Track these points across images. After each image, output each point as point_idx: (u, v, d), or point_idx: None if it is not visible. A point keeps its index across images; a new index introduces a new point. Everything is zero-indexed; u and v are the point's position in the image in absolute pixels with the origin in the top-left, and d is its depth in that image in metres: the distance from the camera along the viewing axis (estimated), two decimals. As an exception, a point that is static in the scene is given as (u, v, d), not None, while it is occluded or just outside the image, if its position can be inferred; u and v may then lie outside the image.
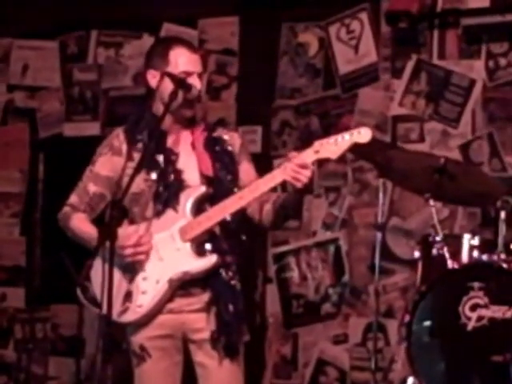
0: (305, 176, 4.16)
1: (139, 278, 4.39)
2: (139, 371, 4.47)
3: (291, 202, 4.40)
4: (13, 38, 8.64)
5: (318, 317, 7.64)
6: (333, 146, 4.19)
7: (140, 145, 4.44)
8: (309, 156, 4.20)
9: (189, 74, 4.42)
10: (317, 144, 4.23)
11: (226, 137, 4.63)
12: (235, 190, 4.45)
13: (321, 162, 6.62)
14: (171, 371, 4.50)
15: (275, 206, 4.43)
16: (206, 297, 4.42)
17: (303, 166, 4.16)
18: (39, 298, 8.32)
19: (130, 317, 4.37)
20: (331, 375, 7.54)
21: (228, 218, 4.40)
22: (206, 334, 4.40)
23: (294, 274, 7.73)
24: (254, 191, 4.34)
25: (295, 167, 4.16)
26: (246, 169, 4.57)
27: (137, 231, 4.39)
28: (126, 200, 4.39)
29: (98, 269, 4.37)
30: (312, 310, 7.67)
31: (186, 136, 4.56)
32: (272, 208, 4.45)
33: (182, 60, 4.45)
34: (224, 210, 4.33)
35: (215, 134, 4.62)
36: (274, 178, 4.27)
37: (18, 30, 8.55)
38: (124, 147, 4.50)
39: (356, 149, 4.74)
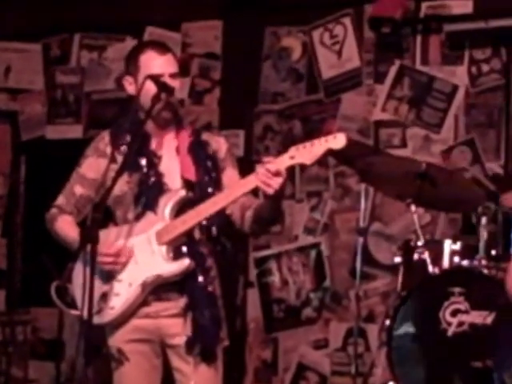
0: (276, 182, 4.11)
1: (114, 279, 4.39)
2: (118, 374, 4.48)
3: (265, 209, 4.36)
4: (-5, 39, 8.67)
5: (298, 321, 7.67)
6: (308, 152, 4.17)
7: (124, 147, 4.44)
8: (284, 162, 4.17)
9: (160, 75, 4.41)
10: (292, 149, 4.20)
11: (211, 142, 4.62)
12: None
13: (303, 167, 6.71)
14: (150, 375, 4.49)
15: (254, 213, 4.44)
16: (182, 302, 4.41)
17: (276, 173, 4.16)
18: (20, 300, 8.36)
19: (103, 319, 4.37)
20: (311, 380, 7.56)
21: (204, 222, 4.40)
22: (181, 340, 4.39)
23: (276, 279, 7.75)
24: (228, 196, 4.34)
25: (267, 173, 4.14)
26: (230, 175, 4.55)
27: (118, 236, 4.40)
28: (110, 202, 4.41)
29: (79, 271, 4.36)
30: (293, 314, 7.69)
31: (170, 139, 4.56)
32: (252, 215, 4.44)
33: (151, 63, 4.46)
34: (199, 214, 4.32)
35: (200, 139, 4.61)
36: (248, 183, 4.26)
37: (0, 32, 8.55)
38: (109, 150, 4.49)
39: (338, 154, 4.77)
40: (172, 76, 4.49)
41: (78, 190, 4.56)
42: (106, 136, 4.59)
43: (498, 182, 6.59)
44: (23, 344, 8.40)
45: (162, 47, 4.61)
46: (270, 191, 4.14)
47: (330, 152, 4.19)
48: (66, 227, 4.53)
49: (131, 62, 4.54)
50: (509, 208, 5.64)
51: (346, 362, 7.16)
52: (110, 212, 4.45)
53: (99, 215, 4.18)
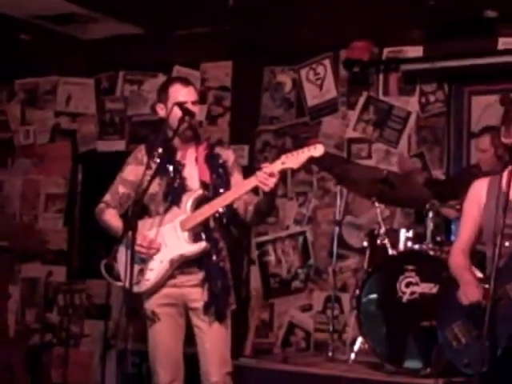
0: (271, 182, 4.14)
1: (150, 259, 4.39)
2: (151, 331, 4.47)
3: (263, 203, 4.38)
4: (59, 76, 8.63)
5: (289, 291, 7.63)
6: (295, 159, 4.19)
7: (156, 158, 4.44)
8: (277, 166, 4.19)
9: (183, 103, 4.42)
10: (283, 157, 4.22)
11: (222, 154, 4.62)
12: None
13: (292, 171, 6.71)
14: (176, 331, 4.49)
15: (255, 207, 4.44)
16: (200, 275, 4.42)
17: (271, 174, 4.17)
18: (77, 274, 8.34)
19: (140, 288, 4.38)
20: (299, 335, 7.54)
21: (217, 214, 4.42)
22: (200, 304, 4.40)
23: (272, 258, 7.73)
24: (234, 194, 4.36)
25: (264, 175, 4.16)
26: (236, 178, 4.55)
27: (152, 225, 4.40)
28: (145, 199, 4.41)
29: (122, 252, 4.39)
30: (285, 285, 7.66)
31: (191, 152, 4.55)
32: (253, 208, 4.44)
33: (177, 93, 4.47)
34: (212, 207, 4.34)
35: (214, 152, 4.61)
36: (249, 183, 4.28)
37: (63, 70, 8.54)
38: (145, 159, 4.52)
39: (319, 162, 4.74)
40: (193, 103, 4.49)
41: (121, 189, 4.57)
42: (142, 149, 4.61)
43: (441, 185, 6.57)
44: (80, 307, 8.39)
45: (185, 81, 4.62)
46: (267, 189, 4.17)
47: (312, 159, 4.21)
48: (112, 218, 4.55)
49: (162, 93, 4.55)
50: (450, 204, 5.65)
51: (326, 321, 7.11)
52: (145, 207, 4.45)
53: (137, 209, 4.23)
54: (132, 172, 4.56)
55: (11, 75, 8.81)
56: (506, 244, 3.53)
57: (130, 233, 4.15)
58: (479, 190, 3.84)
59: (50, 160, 8.72)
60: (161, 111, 4.53)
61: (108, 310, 7.60)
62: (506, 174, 3.48)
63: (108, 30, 7.19)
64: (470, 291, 3.65)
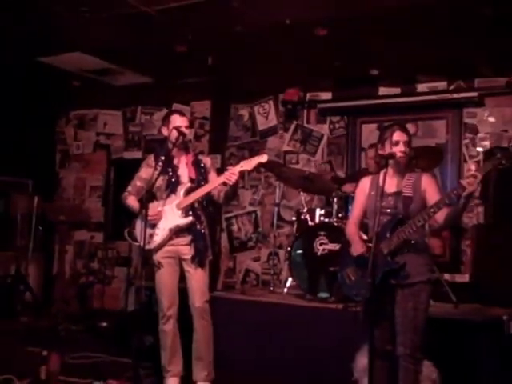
0: (234, 178, 4.20)
1: (156, 227, 4.39)
2: (157, 274, 4.48)
3: (229, 192, 4.40)
4: (99, 109, 8.60)
5: (246, 248, 7.62)
6: (249, 163, 4.22)
7: (160, 163, 4.43)
8: (237, 168, 4.22)
9: (179, 126, 4.42)
10: (242, 162, 4.26)
11: (203, 160, 4.63)
12: None
13: (248, 172, 6.73)
14: (173, 274, 4.49)
15: (224, 194, 4.44)
16: (189, 238, 4.43)
17: (234, 174, 4.20)
18: (110, 237, 8.31)
19: (150, 246, 4.38)
20: (252, 277, 7.52)
21: (200, 198, 4.42)
22: (189, 256, 4.42)
23: (235, 228, 7.71)
24: (210, 186, 4.38)
25: (228, 174, 4.21)
26: (212, 176, 4.55)
27: (158, 206, 4.39)
28: (154, 189, 4.38)
29: (138, 223, 4.41)
30: (243, 245, 7.65)
31: (183, 159, 4.54)
32: (223, 195, 4.45)
33: (176, 120, 4.47)
34: (197, 194, 4.36)
35: (198, 158, 4.61)
36: (220, 179, 4.30)
37: (101, 105, 8.52)
38: (153, 164, 4.51)
39: (266, 166, 4.75)
40: (186, 127, 4.50)
41: (138, 183, 4.57)
42: (152, 157, 4.61)
43: (342, 180, 6.61)
44: (111, 258, 8.34)
45: (181, 113, 4.63)
46: (231, 183, 4.23)
47: (261, 164, 4.25)
48: (132, 202, 4.55)
49: (165, 120, 4.54)
50: (347, 192, 5.66)
51: (269, 268, 7.10)
52: (153, 195, 4.43)
53: (149, 196, 4.21)
54: (145, 172, 4.56)
55: (67, 108, 8.77)
56: (383, 219, 3.59)
57: (143, 211, 4.14)
58: (365, 183, 3.84)
59: (92, 164, 8.67)
60: (164, 132, 4.53)
61: (130, 261, 7.59)
62: (381, 174, 3.53)
63: (130, 79, 7.15)
64: (357, 248, 3.69)
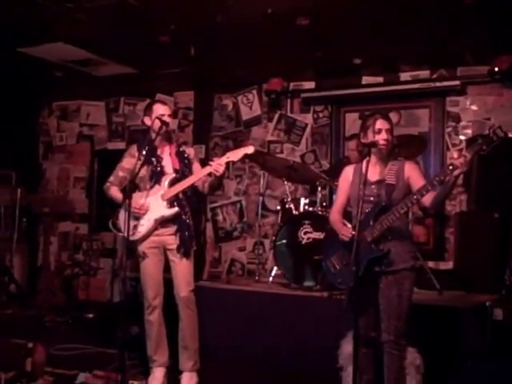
0: (220, 169, 4.18)
1: (141, 218, 4.37)
2: (142, 264, 4.45)
3: (215, 182, 4.40)
4: (82, 100, 8.53)
5: (231, 238, 7.62)
6: (235, 154, 4.21)
7: (144, 153, 4.40)
8: (223, 159, 4.21)
9: (162, 115, 4.39)
10: (228, 153, 4.25)
11: (187, 150, 4.60)
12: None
13: (234, 163, 6.73)
14: (158, 264, 4.47)
15: (209, 184, 4.44)
16: (174, 228, 4.41)
17: (220, 164, 4.19)
18: (95, 229, 8.28)
19: (135, 237, 4.35)
20: (237, 266, 7.53)
21: (185, 189, 4.40)
22: (174, 246, 4.40)
23: (220, 217, 7.70)
24: (195, 177, 4.37)
25: (215, 165, 4.19)
26: (196, 166, 4.53)
27: (141, 197, 4.37)
28: (137, 180, 4.37)
29: (122, 214, 4.37)
30: (228, 234, 7.65)
31: (167, 149, 4.51)
32: (208, 185, 4.44)
33: (158, 109, 4.44)
34: (181, 185, 4.34)
35: (182, 149, 4.58)
36: (206, 170, 4.28)
37: (84, 96, 8.45)
38: (136, 154, 4.46)
39: (250, 156, 4.74)
40: (169, 116, 4.47)
41: (120, 173, 4.53)
42: (134, 147, 4.57)
43: (326, 171, 6.62)
44: (96, 250, 8.33)
45: (163, 102, 4.60)
46: (218, 174, 4.21)
47: (247, 155, 4.24)
48: (115, 192, 4.52)
49: (148, 109, 4.50)
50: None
51: (254, 257, 7.15)
52: (136, 185, 4.43)
53: (131, 186, 4.20)
54: (128, 162, 4.51)
55: (50, 99, 8.69)
56: (366, 207, 3.60)
57: (126, 201, 4.11)
58: (349, 172, 3.85)
59: (76, 155, 8.61)
60: (147, 122, 4.49)
61: (114, 252, 7.56)
62: (364, 163, 3.53)
63: (113, 70, 7.09)
64: (346, 232, 3.66)
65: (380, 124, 3.63)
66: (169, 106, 4.58)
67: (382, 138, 3.61)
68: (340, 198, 3.88)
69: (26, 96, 8.16)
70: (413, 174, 3.61)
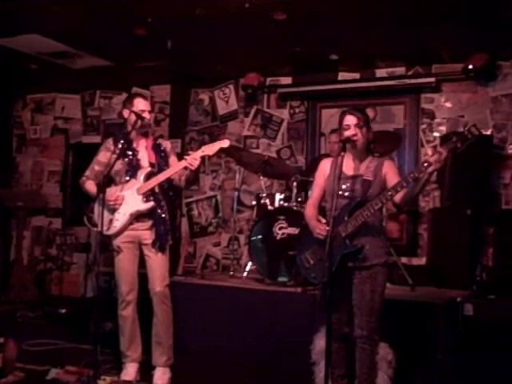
0: (195, 163, 4.18)
1: (116, 212, 4.34)
2: (116, 259, 4.41)
3: (190, 176, 4.38)
4: (57, 92, 8.46)
5: (206, 233, 7.63)
6: (210, 148, 4.20)
7: (119, 146, 4.38)
8: (199, 153, 4.20)
9: (142, 111, 4.38)
10: (203, 147, 4.23)
11: (163, 144, 4.58)
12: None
13: (209, 157, 6.72)
14: (133, 259, 4.43)
15: (185, 178, 4.42)
16: (150, 222, 4.39)
17: (195, 159, 4.18)
18: (68, 223, 8.23)
19: (109, 232, 4.33)
20: (212, 261, 7.54)
21: (161, 183, 4.38)
22: (149, 241, 4.38)
23: (195, 213, 7.70)
24: (171, 171, 4.34)
25: (190, 159, 4.18)
26: (172, 160, 4.51)
27: (116, 191, 4.35)
28: (112, 174, 4.34)
29: (96, 208, 4.32)
30: (203, 230, 7.65)
31: (142, 142, 4.48)
32: (184, 179, 4.43)
33: (139, 104, 4.41)
34: (157, 179, 4.31)
35: (158, 142, 4.57)
36: (181, 164, 4.26)
37: (59, 89, 8.39)
38: (112, 147, 4.44)
39: (226, 151, 4.73)
40: (149, 112, 4.48)
41: (96, 167, 4.49)
42: (110, 140, 4.53)
43: (303, 172, 6.63)
44: (70, 245, 8.28)
45: (144, 96, 4.59)
46: (193, 168, 4.20)
47: (222, 149, 4.23)
48: (90, 186, 4.47)
49: (128, 102, 4.46)
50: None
51: (229, 253, 7.16)
52: (112, 179, 4.40)
53: (106, 180, 4.17)
54: (103, 156, 4.48)
55: (24, 92, 8.61)
56: (341, 202, 3.62)
57: (101, 195, 4.09)
58: (325, 165, 3.86)
59: (50, 148, 8.55)
60: (125, 114, 4.46)
61: (88, 246, 7.52)
62: (340, 158, 3.53)
63: (89, 63, 7.03)
64: (321, 228, 3.66)
65: (347, 120, 3.69)
66: (149, 102, 4.56)
67: (350, 133, 3.65)
68: (315, 192, 3.88)
69: (0, 88, 8.05)
70: (389, 170, 3.64)
